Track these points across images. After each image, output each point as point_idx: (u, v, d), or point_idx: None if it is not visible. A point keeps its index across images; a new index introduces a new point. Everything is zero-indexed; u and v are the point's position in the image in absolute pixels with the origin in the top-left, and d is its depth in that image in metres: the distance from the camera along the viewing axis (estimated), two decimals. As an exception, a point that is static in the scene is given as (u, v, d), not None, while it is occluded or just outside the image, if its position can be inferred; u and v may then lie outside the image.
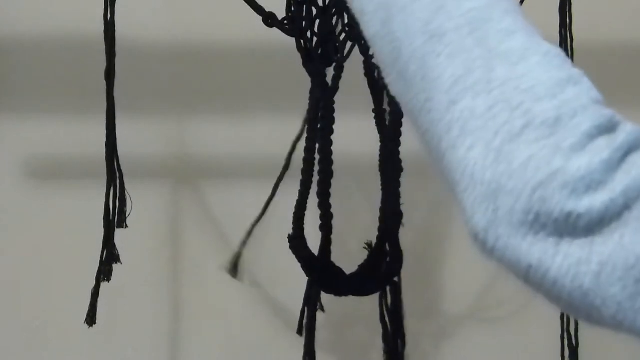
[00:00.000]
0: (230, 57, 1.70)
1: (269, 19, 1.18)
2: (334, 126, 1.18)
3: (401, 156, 1.26)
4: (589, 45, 1.60)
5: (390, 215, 1.23)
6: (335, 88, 1.16)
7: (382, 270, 1.24)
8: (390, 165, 1.22)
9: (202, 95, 1.70)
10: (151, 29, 1.66)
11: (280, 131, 1.72)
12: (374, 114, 1.26)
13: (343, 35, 1.20)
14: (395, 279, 1.24)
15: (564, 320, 1.38)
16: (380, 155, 1.25)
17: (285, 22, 1.19)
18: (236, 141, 1.72)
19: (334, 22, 1.20)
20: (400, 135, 1.22)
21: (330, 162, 1.16)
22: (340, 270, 1.18)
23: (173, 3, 1.68)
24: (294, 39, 1.19)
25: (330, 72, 1.19)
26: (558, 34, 1.34)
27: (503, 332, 1.67)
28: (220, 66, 1.70)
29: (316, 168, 1.18)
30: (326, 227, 1.17)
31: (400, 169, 1.22)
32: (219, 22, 1.68)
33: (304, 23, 1.18)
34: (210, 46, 1.69)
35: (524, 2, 1.19)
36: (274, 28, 1.19)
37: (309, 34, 1.19)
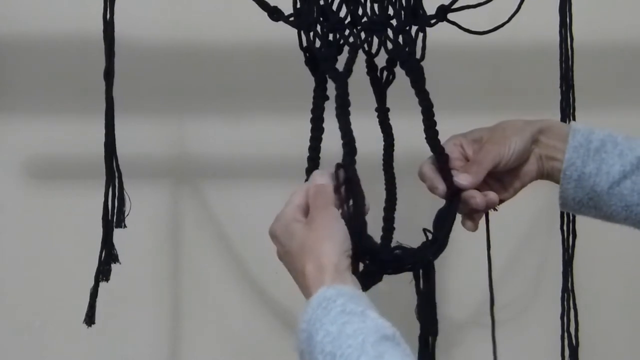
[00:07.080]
0: (230, 57, 1.70)
1: (274, 13, 1.17)
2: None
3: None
4: (589, 45, 1.60)
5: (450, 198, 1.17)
6: (349, 70, 1.13)
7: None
8: (432, 150, 1.17)
9: (202, 95, 1.70)
10: (151, 29, 1.66)
11: (280, 131, 1.72)
12: (376, 113, 1.25)
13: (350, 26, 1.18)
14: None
15: (564, 320, 1.38)
16: (383, 155, 1.25)
17: (291, 17, 1.17)
18: (236, 141, 1.72)
19: (341, 14, 1.18)
20: (435, 124, 1.16)
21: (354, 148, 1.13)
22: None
23: (173, 3, 1.68)
24: (293, 39, 1.18)
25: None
26: (558, 34, 1.34)
27: (504, 332, 1.67)
28: (220, 66, 1.70)
29: (321, 167, 1.17)
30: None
31: (446, 155, 1.18)
32: (219, 22, 1.68)
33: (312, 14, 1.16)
34: (210, 46, 1.69)
35: (524, 2, 1.19)
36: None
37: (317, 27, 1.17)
